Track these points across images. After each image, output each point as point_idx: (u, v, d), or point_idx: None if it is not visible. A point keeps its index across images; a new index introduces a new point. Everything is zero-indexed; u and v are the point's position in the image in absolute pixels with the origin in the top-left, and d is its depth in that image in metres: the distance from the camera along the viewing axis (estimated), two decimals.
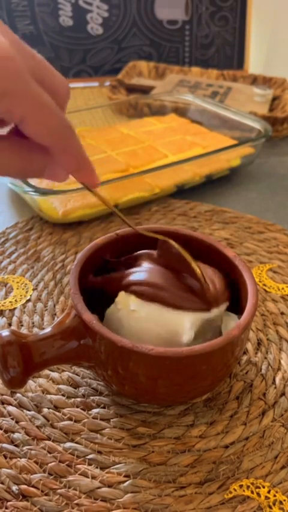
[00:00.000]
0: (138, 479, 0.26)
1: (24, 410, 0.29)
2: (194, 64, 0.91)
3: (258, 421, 0.29)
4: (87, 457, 0.27)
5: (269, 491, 0.25)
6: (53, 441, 0.28)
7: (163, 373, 0.25)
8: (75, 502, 0.25)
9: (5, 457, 0.27)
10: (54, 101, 0.22)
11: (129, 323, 0.27)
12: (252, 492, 0.25)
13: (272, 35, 0.99)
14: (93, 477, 0.26)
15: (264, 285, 0.40)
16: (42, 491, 0.25)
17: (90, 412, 0.29)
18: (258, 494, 0.25)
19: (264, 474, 0.26)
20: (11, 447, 0.27)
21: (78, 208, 0.46)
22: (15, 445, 0.27)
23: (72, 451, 0.27)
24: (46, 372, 0.31)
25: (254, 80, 0.85)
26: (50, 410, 0.29)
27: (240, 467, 0.27)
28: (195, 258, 0.28)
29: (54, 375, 0.31)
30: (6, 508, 0.24)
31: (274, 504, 0.25)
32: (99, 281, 0.30)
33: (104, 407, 0.29)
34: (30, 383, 0.31)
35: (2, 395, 0.30)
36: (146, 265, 0.29)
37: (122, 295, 0.28)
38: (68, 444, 0.27)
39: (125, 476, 0.26)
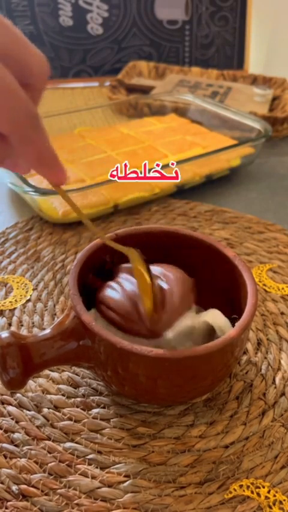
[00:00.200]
0: (138, 479, 0.26)
1: (24, 410, 0.29)
2: (194, 64, 0.91)
3: (258, 421, 0.29)
4: (87, 457, 0.27)
5: (269, 491, 0.25)
6: (53, 441, 0.28)
7: (162, 374, 0.25)
8: (75, 502, 0.25)
9: (5, 457, 0.27)
10: (28, 80, 0.20)
11: None
12: (252, 492, 0.25)
13: (272, 35, 0.99)
14: (93, 477, 0.26)
15: (264, 285, 0.40)
16: (42, 491, 0.25)
17: (90, 412, 0.29)
18: (258, 494, 0.25)
19: (264, 474, 0.26)
20: (11, 447, 0.27)
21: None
22: (15, 445, 0.27)
23: (72, 451, 0.27)
24: (46, 372, 0.31)
25: (254, 80, 0.85)
26: (50, 410, 0.29)
27: (240, 467, 0.27)
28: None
29: (54, 374, 0.31)
30: (6, 508, 0.24)
31: (274, 504, 0.25)
32: (96, 286, 0.30)
33: (104, 407, 0.29)
34: (30, 383, 0.31)
35: (2, 395, 0.30)
36: (123, 276, 0.29)
37: (92, 312, 0.28)
38: (68, 444, 0.27)
39: (125, 476, 0.26)
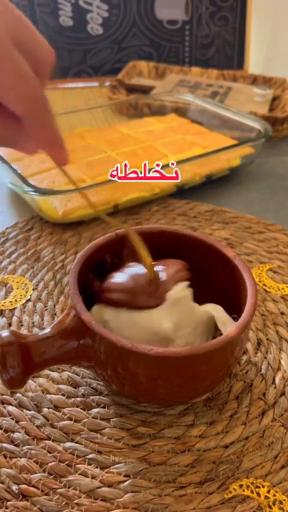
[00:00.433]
0: (138, 479, 0.26)
1: (24, 410, 0.29)
2: (194, 64, 0.91)
3: (258, 421, 0.29)
4: (87, 456, 0.27)
5: (268, 491, 0.25)
6: (53, 441, 0.28)
7: (163, 374, 0.25)
8: (75, 501, 0.25)
9: (5, 457, 0.27)
10: (36, 67, 0.21)
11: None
12: (252, 492, 0.25)
13: (272, 35, 0.99)
14: (93, 477, 0.26)
15: (264, 285, 0.40)
16: (42, 491, 0.25)
17: (90, 411, 0.29)
18: (258, 494, 0.25)
19: (264, 474, 0.26)
20: (11, 447, 0.27)
21: (78, 208, 0.46)
22: (15, 445, 0.27)
23: (72, 450, 0.27)
24: (46, 371, 0.31)
25: (254, 80, 0.85)
26: (50, 410, 0.29)
27: (240, 467, 0.27)
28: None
29: (54, 374, 0.31)
30: (6, 508, 0.24)
31: (274, 504, 0.25)
32: (97, 288, 0.30)
33: (104, 407, 0.30)
34: (30, 383, 0.31)
35: (2, 395, 0.30)
36: (127, 265, 0.30)
37: (94, 309, 0.28)
38: (68, 444, 0.27)
39: (125, 476, 0.26)
